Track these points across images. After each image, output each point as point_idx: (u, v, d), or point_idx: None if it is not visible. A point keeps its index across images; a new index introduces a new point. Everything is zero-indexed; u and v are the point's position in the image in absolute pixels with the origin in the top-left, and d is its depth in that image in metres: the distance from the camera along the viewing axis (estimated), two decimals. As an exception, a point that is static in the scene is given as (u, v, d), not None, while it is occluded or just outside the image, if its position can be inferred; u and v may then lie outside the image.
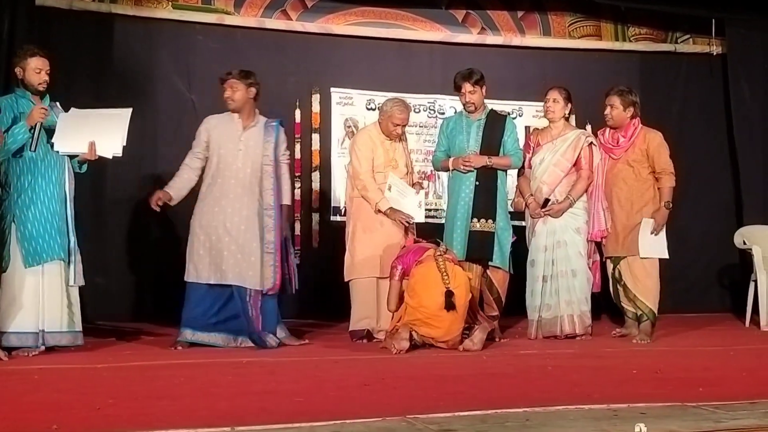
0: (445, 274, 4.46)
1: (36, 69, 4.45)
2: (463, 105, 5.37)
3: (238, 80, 4.83)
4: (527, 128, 6.75)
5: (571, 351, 4.59)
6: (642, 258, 5.19)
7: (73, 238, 4.46)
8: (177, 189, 4.85)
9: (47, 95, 4.56)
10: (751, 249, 6.06)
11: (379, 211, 5.07)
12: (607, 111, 5.33)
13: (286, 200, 5.04)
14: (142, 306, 6.20)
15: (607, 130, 5.41)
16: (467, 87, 5.28)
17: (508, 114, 5.57)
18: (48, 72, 4.50)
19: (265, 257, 4.73)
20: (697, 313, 7.00)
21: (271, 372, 3.75)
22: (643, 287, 5.21)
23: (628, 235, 5.21)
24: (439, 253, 4.61)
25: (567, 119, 5.45)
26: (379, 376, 3.57)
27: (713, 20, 7.47)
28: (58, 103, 4.65)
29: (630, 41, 7.57)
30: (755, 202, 7.24)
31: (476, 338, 4.59)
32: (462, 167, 5.19)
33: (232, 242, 4.70)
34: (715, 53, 7.55)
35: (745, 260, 6.67)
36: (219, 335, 4.75)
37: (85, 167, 4.61)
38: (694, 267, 7.21)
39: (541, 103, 6.76)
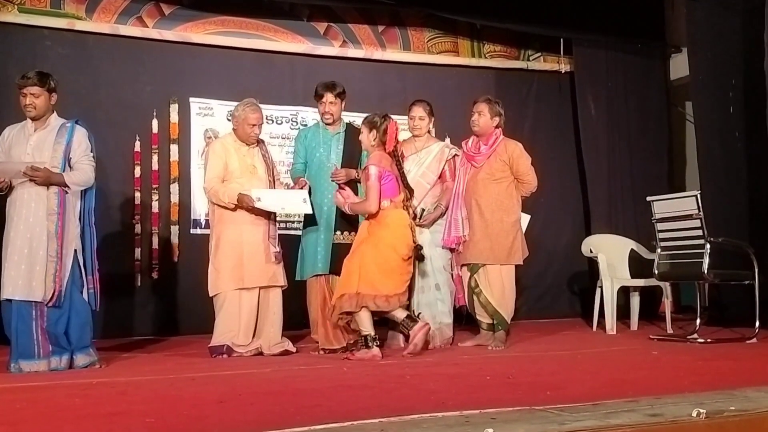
0: (413, 228, 4.79)
1: None
2: (321, 115, 5.38)
3: (39, 86, 4.52)
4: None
5: (430, 359, 4.66)
6: (502, 265, 5.27)
7: None
8: None
9: None
10: (597, 257, 6.37)
11: (236, 205, 4.95)
12: (475, 117, 5.37)
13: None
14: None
15: (471, 139, 5.47)
16: (329, 97, 5.31)
17: None
18: None
19: (48, 266, 4.40)
20: (550, 318, 7.34)
21: (122, 392, 3.59)
22: (499, 295, 5.27)
23: (488, 242, 5.25)
24: (409, 204, 4.92)
25: (429, 132, 5.54)
26: (236, 392, 3.50)
27: (562, 39, 7.89)
28: None
29: (485, 58, 7.88)
30: (601, 213, 7.67)
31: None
32: (335, 179, 5.17)
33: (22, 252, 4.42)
34: (563, 71, 7.99)
35: (592, 268, 7.04)
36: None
37: None
38: (545, 275, 7.55)
39: (403, 117, 6.93)
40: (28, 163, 4.41)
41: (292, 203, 5.09)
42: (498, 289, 5.28)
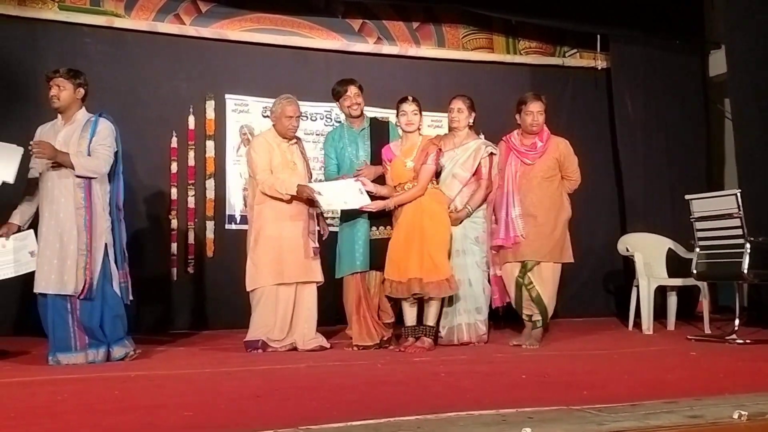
0: None
1: None
2: (348, 108, 5.37)
3: (65, 79, 4.60)
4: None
5: (464, 357, 4.66)
6: (555, 263, 5.29)
7: None
8: (20, 212, 4.69)
9: None
10: (633, 256, 6.31)
11: (292, 197, 4.98)
12: (535, 118, 5.32)
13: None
14: (25, 319, 5.91)
15: (516, 135, 5.44)
16: (353, 90, 5.34)
17: (389, 120, 5.61)
18: None
19: (79, 260, 4.46)
20: (584, 317, 7.27)
21: (159, 386, 3.64)
22: (550, 293, 5.30)
23: (545, 240, 5.25)
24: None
25: (471, 128, 5.46)
26: (272, 387, 3.53)
27: (598, 36, 7.81)
28: None
29: (520, 54, 7.83)
30: (637, 211, 7.59)
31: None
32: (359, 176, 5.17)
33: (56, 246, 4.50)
34: (600, 68, 7.91)
35: (628, 266, 6.97)
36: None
37: None
38: (581, 273, 7.47)
39: (435, 114, 6.92)
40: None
41: (351, 196, 5.03)
42: (550, 287, 5.31)
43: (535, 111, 5.33)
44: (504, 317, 6.06)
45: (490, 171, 5.37)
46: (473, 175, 5.34)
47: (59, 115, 4.67)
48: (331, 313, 5.88)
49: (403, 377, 3.85)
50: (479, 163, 5.33)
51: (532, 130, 5.35)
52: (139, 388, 3.59)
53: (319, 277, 5.16)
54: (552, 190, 5.34)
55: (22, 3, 6.26)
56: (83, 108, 4.70)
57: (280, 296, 5.04)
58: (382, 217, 5.23)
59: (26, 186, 4.69)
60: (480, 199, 5.32)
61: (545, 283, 5.29)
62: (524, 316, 5.37)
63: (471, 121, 5.41)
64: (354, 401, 3.16)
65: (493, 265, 5.41)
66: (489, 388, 3.49)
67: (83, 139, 4.58)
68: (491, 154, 5.38)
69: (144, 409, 2.99)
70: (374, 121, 5.52)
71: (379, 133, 5.40)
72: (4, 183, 4.40)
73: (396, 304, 5.27)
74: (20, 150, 4.44)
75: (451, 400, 3.08)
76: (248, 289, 5.10)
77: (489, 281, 5.40)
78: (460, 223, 5.27)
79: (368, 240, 5.23)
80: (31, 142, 4.46)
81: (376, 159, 5.30)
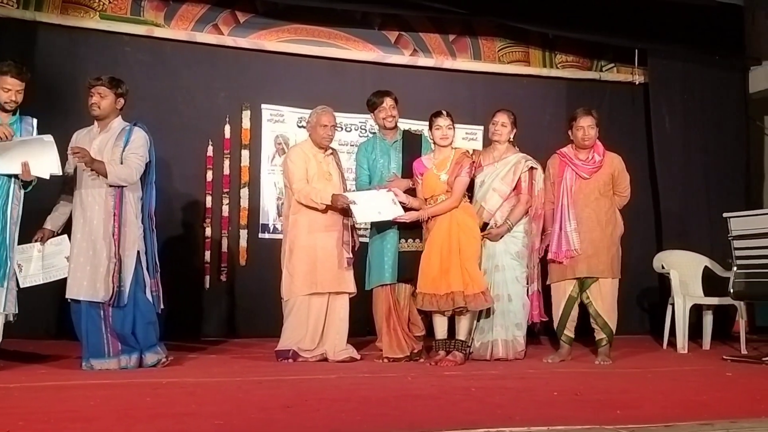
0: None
1: (5, 88, 4.48)
2: (383, 120, 5.38)
3: (107, 88, 4.67)
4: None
5: (495, 372, 4.62)
6: (613, 279, 5.26)
7: (10, 264, 4.42)
8: (53, 218, 4.76)
9: (17, 113, 4.55)
10: (669, 273, 6.23)
11: (328, 207, 5.01)
12: (586, 132, 5.29)
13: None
14: (62, 323, 5.97)
15: (569, 148, 5.41)
16: (388, 102, 5.36)
17: (422, 132, 5.62)
18: (20, 92, 4.54)
19: (110, 267, 4.50)
20: (619, 335, 7.13)
21: (191, 393, 3.66)
22: (610, 309, 5.27)
23: (604, 256, 5.23)
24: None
25: (512, 143, 5.43)
26: (302, 397, 3.52)
27: (636, 50, 7.74)
28: (34, 120, 4.62)
29: (557, 68, 7.78)
30: (674, 228, 7.48)
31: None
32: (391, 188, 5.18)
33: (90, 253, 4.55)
34: (637, 82, 7.83)
35: (663, 284, 6.86)
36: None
37: (29, 188, 4.60)
38: (615, 290, 7.37)
39: (471, 126, 6.91)
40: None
41: (385, 206, 5.04)
42: (609, 303, 5.28)
43: (585, 126, 5.30)
44: (538, 334, 6.00)
45: (531, 186, 5.33)
46: (513, 189, 5.30)
47: (95, 122, 4.74)
48: (362, 324, 5.86)
49: (433, 391, 3.82)
50: (519, 178, 5.30)
51: (584, 145, 5.32)
52: (171, 395, 3.61)
53: (352, 287, 5.16)
54: (608, 206, 5.34)
55: (64, 12, 6.37)
56: (120, 116, 4.77)
57: (313, 306, 5.06)
58: (412, 230, 5.22)
59: (61, 187, 4.77)
60: (520, 214, 5.29)
61: (605, 298, 5.25)
62: (564, 337, 5.32)
63: (512, 136, 5.39)
64: (383, 414, 3.14)
65: (533, 281, 5.35)
66: (520, 405, 3.45)
67: (117, 147, 4.64)
68: (532, 168, 5.34)
69: (175, 417, 3.01)
70: (407, 134, 5.52)
71: (412, 145, 5.41)
72: (52, 175, 4.50)
73: (426, 317, 5.25)
74: (51, 140, 4.49)
75: (481, 416, 3.05)
76: (284, 299, 5.12)
77: (528, 296, 5.35)
78: (500, 238, 5.24)
79: (397, 252, 5.23)
80: (70, 146, 4.54)
81: (407, 171, 5.30)
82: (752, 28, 7.83)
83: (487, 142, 6.10)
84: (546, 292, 5.47)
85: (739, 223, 5.61)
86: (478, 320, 5.20)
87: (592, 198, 5.28)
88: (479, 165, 5.32)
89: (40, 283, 4.68)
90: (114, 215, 4.54)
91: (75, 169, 4.68)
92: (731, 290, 5.63)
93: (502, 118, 5.36)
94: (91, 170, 4.55)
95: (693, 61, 7.77)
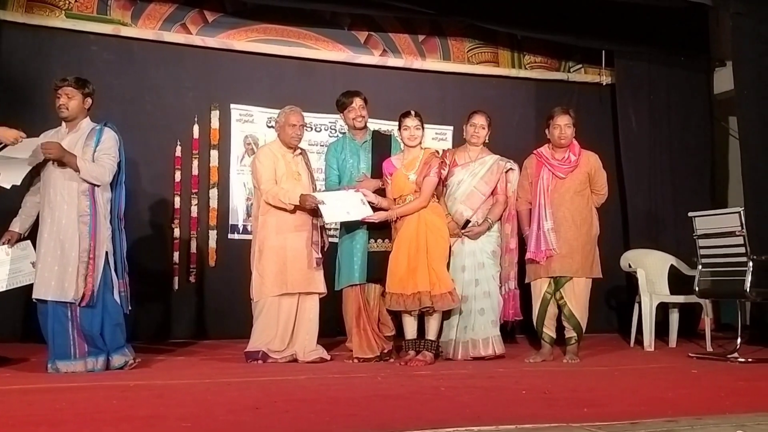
0: None
1: None
2: (352, 120, 5.38)
3: (74, 88, 4.62)
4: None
5: (464, 371, 4.64)
6: (587, 278, 5.29)
7: None
8: (21, 220, 4.70)
9: None
10: (636, 272, 6.29)
11: (296, 206, 4.99)
12: (563, 131, 5.30)
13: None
14: (28, 325, 5.89)
15: (546, 149, 5.42)
16: (358, 102, 5.37)
17: (392, 133, 5.63)
18: None
19: (80, 267, 4.46)
20: (586, 333, 7.19)
21: (159, 395, 3.63)
22: (582, 308, 5.30)
23: (578, 256, 5.25)
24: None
25: (485, 143, 5.44)
26: (271, 398, 3.51)
27: (603, 51, 7.82)
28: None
29: (526, 69, 7.83)
30: (640, 227, 7.57)
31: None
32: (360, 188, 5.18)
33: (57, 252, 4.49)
34: (604, 83, 7.92)
35: (630, 283, 6.94)
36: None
37: None
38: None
39: (441, 126, 6.93)
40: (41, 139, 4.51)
41: (354, 207, 5.03)
42: (582, 302, 5.31)
43: (562, 124, 5.33)
44: (511, 333, 6.04)
45: (506, 187, 5.37)
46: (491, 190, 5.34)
47: (63, 123, 4.68)
48: (332, 325, 5.86)
49: (403, 391, 3.83)
50: (498, 180, 5.33)
51: (561, 144, 5.35)
52: (138, 398, 3.58)
53: (322, 288, 5.15)
54: (583, 205, 5.35)
55: (29, 10, 6.29)
56: (88, 116, 4.72)
57: (283, 307, 5.04)
58: (381, 230, 5.23)
59: (26, 188, 4.70)
60: (498, 214, 5.33)
61: (578, 298, 5.28)
62: (544, 336, 5.35)
63: (487, 137, 5.42)
64: (353, 414, 3.15)
65: (507, 280, 5.37)
66: (489, 404, 3.47)
67: (87, 147, 4.58)
68: (510, 170, 5.38)
69: (142, 419, 2.98)
70: (376, 134, 5.54)
71: (381, 145, 5.42)
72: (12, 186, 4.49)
73: (396, 317, 5.26)
74: (26, 157, 4.47)
75: (450, 415, 3.07)
76: (254, 300, 5.10)
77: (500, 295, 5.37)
78: (480, 236, 5.26)
79: (366, 252, 5.24)
80: (39, 143, 4.48)
81: (376, 171, 5.31)
82: (717, 29, 7.94)
83: (459, 142, 6.13)
84: (524, 292, 5.50)
85: (704, 222, 5.69)
86: (464, 320, 5.22)
87: (567, 197, 5.31)
88: (454, 164, 5.32)
89: (3, 290, 4.60)
90: (90, 215, 4.49)
91: (41, 170, 4.61)
92: (696, 288, 5.71)
93: (481, 120, 5.37)
94: (61, 164, 4.48)
95: (659, 62, 7.86)
